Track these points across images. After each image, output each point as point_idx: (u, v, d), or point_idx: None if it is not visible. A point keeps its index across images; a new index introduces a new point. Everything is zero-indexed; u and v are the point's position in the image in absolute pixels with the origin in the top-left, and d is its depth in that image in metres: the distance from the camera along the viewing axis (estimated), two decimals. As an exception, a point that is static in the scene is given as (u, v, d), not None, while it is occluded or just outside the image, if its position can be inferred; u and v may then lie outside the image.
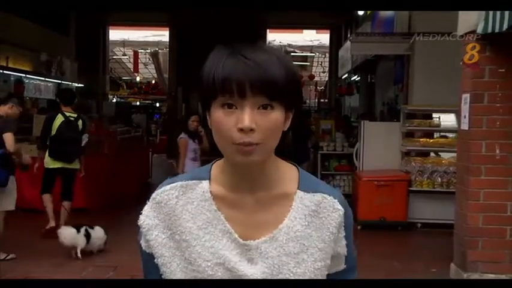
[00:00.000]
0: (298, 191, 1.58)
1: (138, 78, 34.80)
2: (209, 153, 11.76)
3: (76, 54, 21.21)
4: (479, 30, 6.48)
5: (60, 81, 19.91)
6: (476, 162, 6.81)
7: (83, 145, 9.12)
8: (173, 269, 1.55)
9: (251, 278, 1.50)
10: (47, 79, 18.97)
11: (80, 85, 21.26)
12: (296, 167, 1.64)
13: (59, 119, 8.95)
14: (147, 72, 35.40)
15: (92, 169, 10.74)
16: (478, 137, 6.79)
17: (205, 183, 1.58)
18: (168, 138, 24.43)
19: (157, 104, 35.72)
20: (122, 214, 10.40)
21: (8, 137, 7.42)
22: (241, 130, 1.42)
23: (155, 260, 1.57)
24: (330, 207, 1.57)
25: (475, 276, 6.76)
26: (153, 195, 1.60)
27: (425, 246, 9.34)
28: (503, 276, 6.76)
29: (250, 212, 1.56)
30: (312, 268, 1.52)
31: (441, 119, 11.02)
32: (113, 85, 29.94)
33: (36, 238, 8.59)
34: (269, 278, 1.50)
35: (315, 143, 13.34)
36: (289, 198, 1.57)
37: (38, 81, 18.38)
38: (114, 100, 29.23)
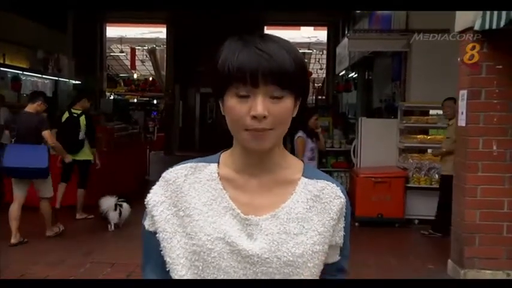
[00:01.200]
0: (302, 177, 1.65)
1: (135, 75, 34.70)
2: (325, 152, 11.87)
3: (73, 52, 21.15)
4: (477, 27, 6.50)
5: (57, 79, 19.88)
6: (473, 159, 6.84)
7: (80, 138, 10.08)
8: (173, 244, 1.59)
9: (249, 252, 1.53)
10: (44, 76, 18.91)
11: (77, 82, 21.25)
12: (303, 161, 1.73)
13: (65, 116, 10.35)
14: (144, 69, 35.28)
15: (91, 167, 10.76)
16: (475, 133, 6.81)
17: (213, 166, 1.67)
18: (166, 136, 24.50)
19: (155, 101, 35.71)
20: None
21: (47, 134, 8.47)
22: (254, 117, 1.49)
23: (157, 235, 1.62)
24: (332, 194, 1.63)
25: (472, 272, 6.80)
26: (163, 174, 1.67)
27: (423, 243, 9.36)
28: (499, 273, 6.80)
29: (254, 194, 1.62)
30: (310, 251, 1.56)
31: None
32: (110, 82, 29.87)
33: (33, 235, 8.58)
34: (267, 254, 1.53)
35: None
36: (293, 184, 1.64)
37: (35, 79, 18.31)
38: (112, 97, 29.16)
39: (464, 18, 6.84)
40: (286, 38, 1.61)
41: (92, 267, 7.40)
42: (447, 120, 9.30)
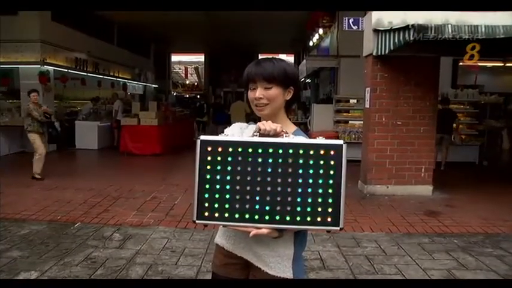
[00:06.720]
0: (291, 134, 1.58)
1: (187, 82, 34.36)
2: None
3: (154, 69, 21.17)
4: (374, 53, 6.52)
5: (145, 84, 19.90)
6: (372, 125, 6.91)
7: (205, 111, 14.32)
8: None
9: None
10: (139, 83, 19.01)
11: (155, 86, 21.30)
12: (297, 127, 1.68)
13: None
14: (192, 79, 34.88)
15: (164, 131, 10.84)
16: (373, 111, 6.86)
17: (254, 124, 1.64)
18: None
19: (198, 96, 35.18)
20: (178, 157, 10.52)
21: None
22: (255, 99, 1.54)
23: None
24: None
25: (370, 187, 6.87)
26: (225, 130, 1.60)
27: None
28: (384, 187, 6.91)
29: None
30: None
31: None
32: (173, 85, 29.59)
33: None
34: None
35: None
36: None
37: (134, 84, 18.41)
38: (174, 94, 28.86)
39: (367, 48, 6.84)
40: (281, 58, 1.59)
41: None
42: None
